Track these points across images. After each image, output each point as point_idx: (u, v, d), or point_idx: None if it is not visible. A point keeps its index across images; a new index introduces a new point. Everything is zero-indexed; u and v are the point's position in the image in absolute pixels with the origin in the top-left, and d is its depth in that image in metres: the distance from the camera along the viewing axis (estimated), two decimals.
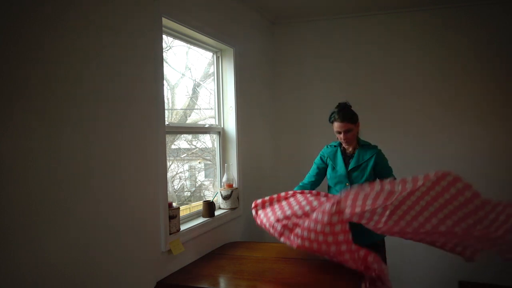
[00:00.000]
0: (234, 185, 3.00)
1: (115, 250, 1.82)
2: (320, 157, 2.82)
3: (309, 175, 2.85)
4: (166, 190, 2.21)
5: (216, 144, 3.10)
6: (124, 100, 1.90)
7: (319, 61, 3.84)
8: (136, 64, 1.99)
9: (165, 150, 2.21)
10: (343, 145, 2.70)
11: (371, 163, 2.61)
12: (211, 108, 3.14)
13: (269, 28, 3.88)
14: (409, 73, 3.59)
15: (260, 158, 3.60)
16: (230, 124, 3.10)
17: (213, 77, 3.12)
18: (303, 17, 3.82)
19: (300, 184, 2.83)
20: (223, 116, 3.11)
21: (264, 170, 3.68)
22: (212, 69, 3.13)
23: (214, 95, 3.11)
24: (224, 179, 2.96)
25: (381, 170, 2.62)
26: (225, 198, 2.93)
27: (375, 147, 2.69)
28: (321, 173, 2.81)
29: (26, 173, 1.42)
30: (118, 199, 1.85)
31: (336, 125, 2.60)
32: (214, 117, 3.12)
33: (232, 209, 2.96)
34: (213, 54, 3.09)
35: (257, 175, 3.48)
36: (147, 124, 2.06)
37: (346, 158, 2.70)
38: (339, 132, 2.61)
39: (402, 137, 3.63)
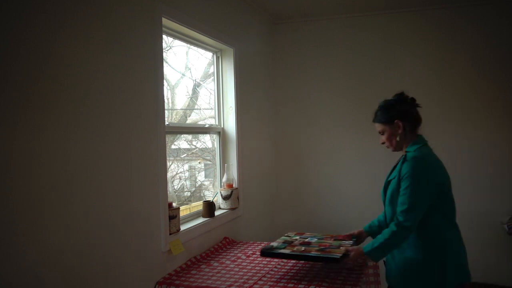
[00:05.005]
0: (234, 185, 3.00)
1: (115, 250, 1.82)
2: None
3: None
4: (166, 190, 2.20)
5: (216, 144, 3.10)
6: (124, 100, 1.90)
7: (319, 61, 3.84)
8: (136, 64, 1.99)
9: (165, 150, 2.21)
10: None
11: (396, 179, 1.93)
12: (211, 108, 3.14)
13: (269, 28, 3.87)
14: (409, 72, 3.59)
15: (260, 158, 3.60)
16: (230, 124, 3.10)
17: (213, 77, 3.12)
18: (303, 17, 3.82)
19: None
20: (223, 116, 3.11)
21: (264, 170, 3.68)
22: (212, 69, 3.12)
23: (214, 95, 3.11)
24: (224, 179, 2.96)
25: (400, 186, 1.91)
26: (225, 198, 2.93)
27: (413, 157, 1.90)
28: None
29: (27, 173, 1.42)
30: (118, 199, 1.85)
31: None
32: (214, 117, 3.12)
33: (232, 209, 2.96)
34: (213, 54, 3.09)
35: (257, 175, 3.48)
36: (147, 124, 2.06)
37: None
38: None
39: None
